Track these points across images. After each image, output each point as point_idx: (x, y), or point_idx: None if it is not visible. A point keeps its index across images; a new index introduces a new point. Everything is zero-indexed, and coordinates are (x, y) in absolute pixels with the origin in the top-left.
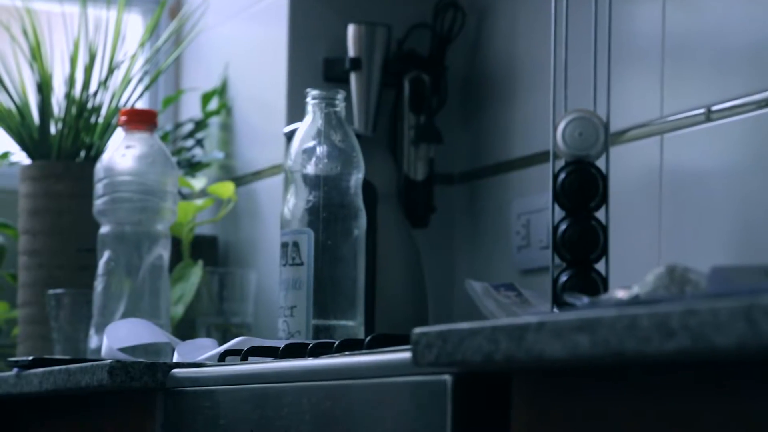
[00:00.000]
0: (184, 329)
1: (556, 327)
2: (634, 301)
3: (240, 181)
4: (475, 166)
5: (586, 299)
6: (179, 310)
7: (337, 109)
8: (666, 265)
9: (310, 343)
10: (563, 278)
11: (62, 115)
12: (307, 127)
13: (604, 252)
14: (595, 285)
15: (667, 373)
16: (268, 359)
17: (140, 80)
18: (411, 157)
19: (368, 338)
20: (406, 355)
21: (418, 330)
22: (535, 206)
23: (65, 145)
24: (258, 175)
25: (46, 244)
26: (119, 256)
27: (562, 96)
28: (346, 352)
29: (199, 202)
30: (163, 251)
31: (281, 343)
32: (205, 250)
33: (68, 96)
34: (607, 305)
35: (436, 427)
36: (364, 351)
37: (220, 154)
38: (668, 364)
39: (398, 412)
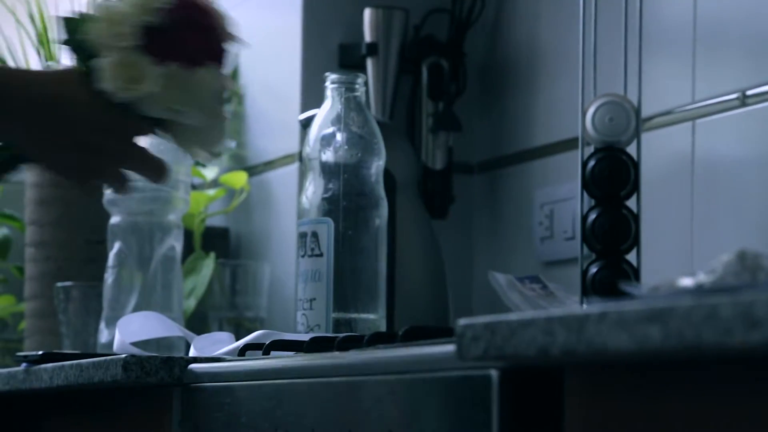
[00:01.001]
0: (196, 323)
1: (621, 318)
2: (707, 289)
3: (252, 171)
4: (495, 154)
5: (643, 288)
6: (191, 304)
7: (357, 93)
8: (736, 250)
9: (337, 337)
10: (593, 270)
11: None
12: (325, 112)
13: (635, 242)
14: (627, 276)
15: (748, 369)
16: (293, 353)
17: None
18: (429, 146)
19: (402, 331)
20: (448, 348)
21: (463, 321)
22: (559, 196)
23: None
24: (271, 164)
25: (54, 236)
26: (130, 248)
27: (590, 80)
28: (378, 346)
29: (210, 192)
30: (175, 242)
31: (305, 337)
32: (217, 242)
33: None
34: (673, 294)
35: (480, 426)
36: (398, 344)
37: (231, 143)
38: (747, 359)
39: (438, 409)
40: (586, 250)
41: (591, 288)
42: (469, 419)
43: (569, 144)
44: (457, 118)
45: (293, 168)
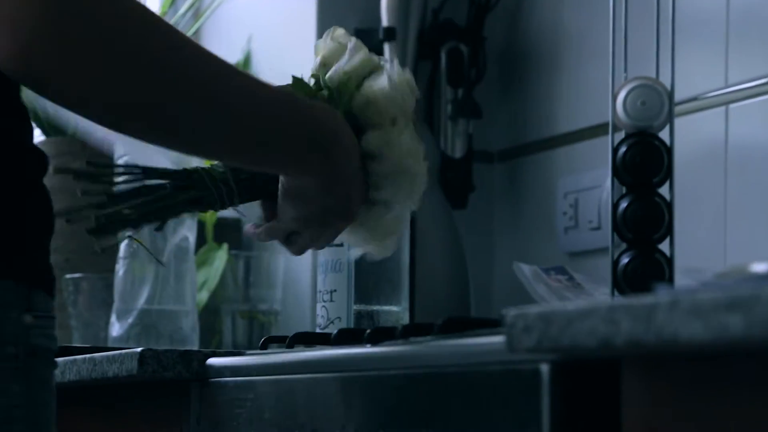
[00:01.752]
0: (208, 317)
1: (695, 306)
2: None
3: None
4: (515, 142)
5: (707, 274)
6: (203, 297)
7: None
8: None
9: (365, 329)
10: (624, 260)
11: None
12: None
13: (668, 231)
14: (660, 267)
15: None
16: (320, 347)
17: None
18: (448, 133)
19: (440, 322)
20: (493, 340)
21: (513, 311)
22: (584, 184)
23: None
24: None
25: (62, 226)
26: (142, 238)
27: (621, 63)
28: (412, 339)
29: None
30: (188, 233)
31: (332, 329)
32: (229, 232)
33: None
34: (748, 280)
35: (529, 422)
36: (435, 337)
37: None
38: None
39: (480, 405)
40: (615, 239)
41: (622, 279)
42: (516, 416)
43: (594, 131)
44: (478, 105)
45: None
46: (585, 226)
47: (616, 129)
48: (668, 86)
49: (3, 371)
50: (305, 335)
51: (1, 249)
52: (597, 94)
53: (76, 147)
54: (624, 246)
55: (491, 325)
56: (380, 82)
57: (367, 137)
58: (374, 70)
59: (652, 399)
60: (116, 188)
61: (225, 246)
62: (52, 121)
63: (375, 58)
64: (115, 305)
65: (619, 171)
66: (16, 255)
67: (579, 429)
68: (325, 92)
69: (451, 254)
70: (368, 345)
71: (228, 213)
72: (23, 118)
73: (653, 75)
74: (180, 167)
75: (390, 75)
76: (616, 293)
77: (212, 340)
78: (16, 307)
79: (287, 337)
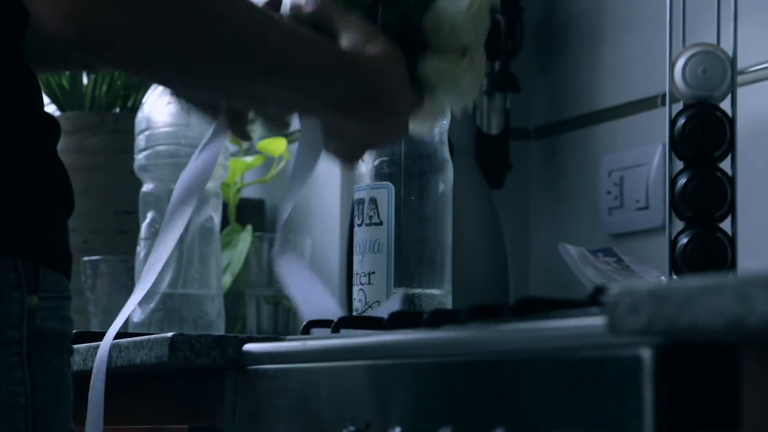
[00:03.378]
0: (232, 302)
1: None
2: None
3: (289, 137)
4: (554, 118)
5: None
6: (226, 281)
7: None
8: None
9: (422, 312)
10: (683, 240)
11: None
12: None
13: (731, 208)
14: (721, 247)
15: None
16: (372, 331)
17: None
18: (484, 109)
19: (514, 303)
20: (586, 321)
21: (617, 289)
22: (629, 162)
23: (99, 95)
24: None
25: (79, 206)
26: (160, 216)
27: (679, 30)
28: (482, 322)
29: (248, 159)
30: (213, 213)
31: (382, 313)
32: (252, 214)
33: None
34: None
35: (629, 416)
36: (509, 319)
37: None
38: None
39: (568, 395)
40: (673, 218)
41: (681, 260)
42: (611, 409)
43: (641, 104)
44: (516, 78)
45: None
46: (631, 205)
47: (673, 99)
48: (730, 53)
49: (5, 357)
50: (351, 319)
51: (2, 224)
52: (645, 65)
53: (93, 121)
54: (682, 225)
55: (568, 306)
56: (459, 3)
57: (428, 65)
58: None
59: None
60: None
61: (249, 227)
62: (68, 95)
63: None
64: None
65: (677, 144)
66: (17, 230)
67: (689, 425)
68: None
69: (489, 236)
70: (428, 329)
71: (251, 194)
72: (29, 80)
73: (713, 42)
74: None
75: None
76: (673, 276)
77: (235, 326)
78: (20, 287)
79: (330, 321)
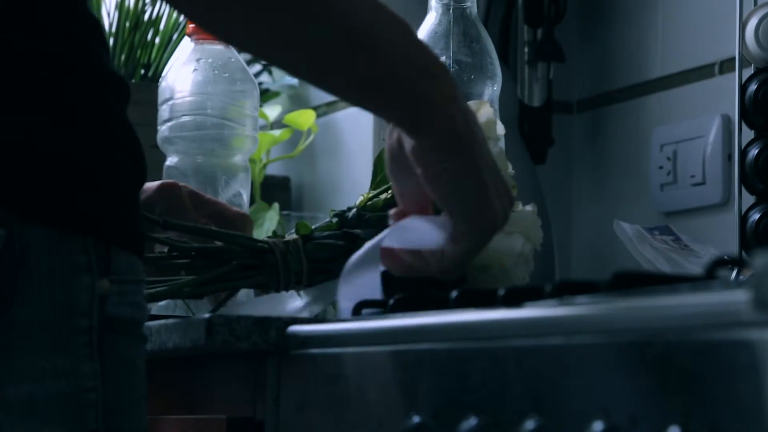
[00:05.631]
0: None
1: None
2: None
3: (317, 109)
4: (599, 90)
5: None
6: None
7: (467, 4)
8: None
9: (495, 290)
10: (754, 215)
11: (114, 29)
12: (428, 29)
13: None
14: None
15: None
16: (437, 311)
17: None
18: (525, 80)
19: (609, 278)
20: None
21: (763, 258)
22: (683, 135)
23: (117, 65)
24: (335, 105)
25: None
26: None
27: None
28: (570, 298)
29: (276, 132)
30: (242, 189)
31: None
32: (276, 192)
33: (120, 6)
34: None
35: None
36: (603, 294)
37: (292, 80)
38: None
39: (683, 383)
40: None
41: (752, 237)
42: (737, 397)
43: (697, 73)
44: (560, 47)
45: None
46: (686, 181)
47: (744, 64)
48: None
49: (73, 348)
50: (407, 300)
51: (69, 197)
52: (701, 30)
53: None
54: (749, 201)
55: (672, 281)
56: (509, 243)
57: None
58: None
59: None
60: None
61: (276, 206)
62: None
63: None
64: None
65: (748, 112)
66: (86, 205)
67: None
68: None
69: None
70: (506, 307)
71: (276, 171)
72: (94, 33)
73: None
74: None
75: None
76: (744, 254)
77: None
78: (90, 270)
79: (383, 301)
